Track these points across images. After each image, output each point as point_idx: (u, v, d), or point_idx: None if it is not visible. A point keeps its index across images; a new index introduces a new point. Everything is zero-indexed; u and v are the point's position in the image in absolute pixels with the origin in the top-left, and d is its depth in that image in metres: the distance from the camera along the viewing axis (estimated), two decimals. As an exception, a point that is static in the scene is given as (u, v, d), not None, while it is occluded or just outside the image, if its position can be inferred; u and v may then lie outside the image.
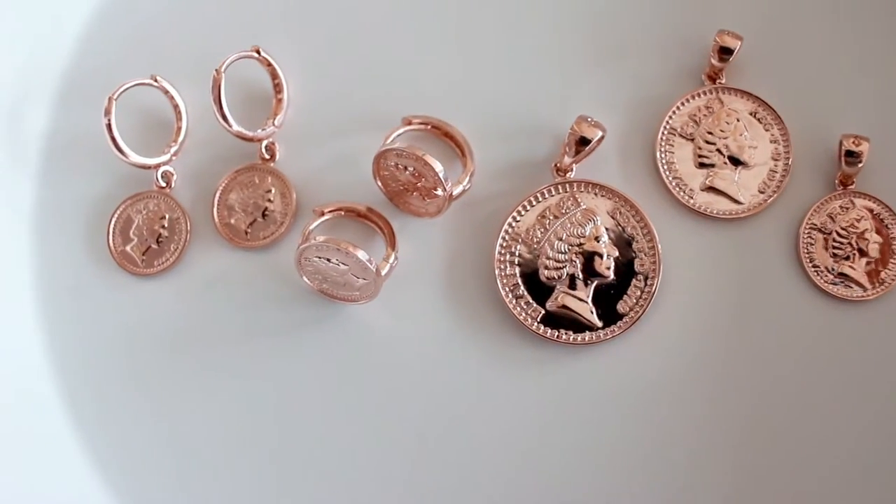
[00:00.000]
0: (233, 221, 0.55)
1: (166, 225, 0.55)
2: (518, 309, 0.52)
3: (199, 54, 0.56)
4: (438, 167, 0.50)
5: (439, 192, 0.51)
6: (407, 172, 0.52)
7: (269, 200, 0.55)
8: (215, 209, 0.55)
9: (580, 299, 0.51)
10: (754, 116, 0.53)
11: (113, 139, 0.53)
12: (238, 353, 0.53)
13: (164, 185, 0.55)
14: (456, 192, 0.52)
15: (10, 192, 0.56)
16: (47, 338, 0.54)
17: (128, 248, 0.55)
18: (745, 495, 0.51)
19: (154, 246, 0.55)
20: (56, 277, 0.55)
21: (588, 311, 0.51)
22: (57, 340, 0.54)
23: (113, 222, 0.55)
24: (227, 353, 0.53)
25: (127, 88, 0.54)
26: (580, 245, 0.52)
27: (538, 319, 0.52)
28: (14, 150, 0.56)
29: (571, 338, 0.51)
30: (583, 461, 0.51)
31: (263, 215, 0.55)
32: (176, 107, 0.55)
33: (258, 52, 0.55)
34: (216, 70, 0.53)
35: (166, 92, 0.55)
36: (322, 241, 0.50)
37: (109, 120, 0.53)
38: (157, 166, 0.55)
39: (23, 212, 0.56)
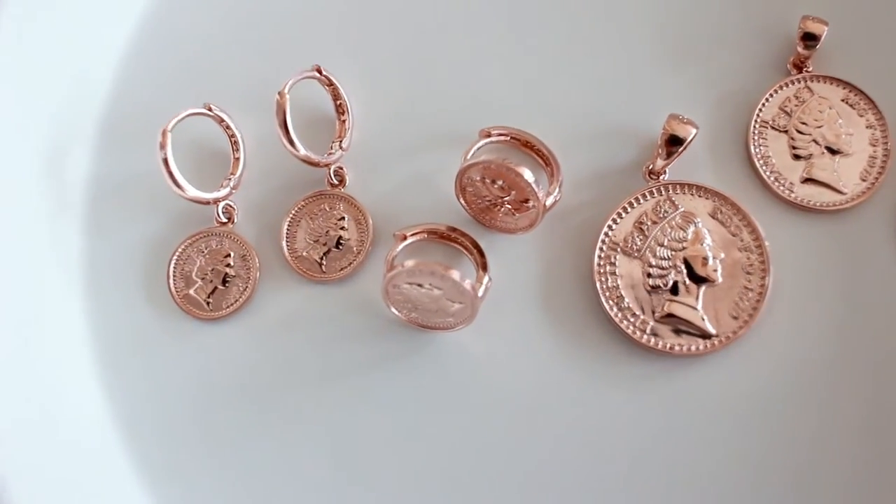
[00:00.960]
0: (305, 254, 0.51)
1: (232, 263, 0.51)
2: (625, 322, 0.49)
3: (249, 82, 0.53)
4: (529, 176, 0.47)
5: (532, 203, 0.48)
6: (495, 186, 0.49)
7: (343, 228, 0.51)
8: (284, 242, 0.51)
9: (689, 306, 0.48)
10: (846, 103, 0.51)
11: (170, 174, 0.49)
12: (321, 394, 0.49)
13: (225, 220, 0.51)
14: (548, 203, 0.49)
15: (57, 243, 0.51)
16: (109, 396, 0.50)
17: (191, 292, 0.51)
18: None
19: (220, 287, 0.51)
20: (114, 331, 0.51)
21: (699, 318, 0.48)
22: (120, 398, 0.50)
23: (172, 265, 0.51)
24: (308, 395, 0.49)
25: (181, 119, 0.50)
26: (683, 249, 0.49)
27: (647, 331, 0.48)
28: (58, 198, 0.52)
29: (686, 348, 0.48)
30: (700, 477, 0.48)
31: (338, 245, 0.51)
32: (232, 136, 0.52)
33: (319, 71, 0.51)
34: (279, 93, 0.49)
35: (221, 121, 0.51)
36: (413, 266, 0.46)
37: (165, 154, 0.49)
38: (217, 201, 0.51)
39: (71, 263, 0.51)
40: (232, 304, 0.50)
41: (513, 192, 0.49)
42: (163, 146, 0.49)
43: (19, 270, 0.50)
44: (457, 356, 0.50)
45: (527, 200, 0.49)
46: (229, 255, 0.51)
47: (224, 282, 0.50)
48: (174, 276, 0.51)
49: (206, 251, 0.51)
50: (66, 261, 0.51)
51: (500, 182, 0.48)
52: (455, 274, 0.46)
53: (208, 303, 0.50)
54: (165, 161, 0.49)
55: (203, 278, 0.51)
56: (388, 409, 0.49)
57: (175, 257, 0.51)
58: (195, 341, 0.50)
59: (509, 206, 0.49)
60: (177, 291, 0.51)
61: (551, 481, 0.48)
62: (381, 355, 0.50)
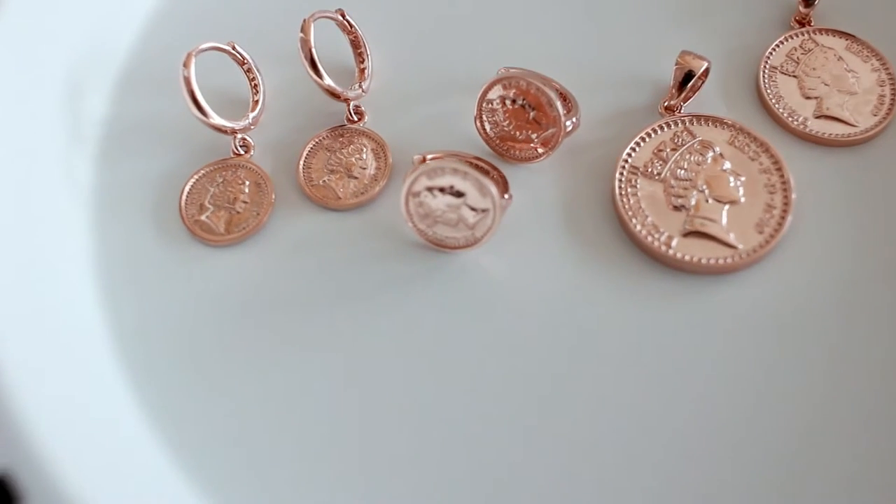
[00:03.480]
0: (322, 182, 0.50)
1: (247, 190, 0.50)
2: (650, 238, 0.47)
3: (270, 34, 0.54)
4: (550, 88, 0.48)
5: (551, 128, 0.48)
6: (516, 106, 0.49)
7: (361, 159, 0.51)
8: (301, 168, 0.50)
9: (714, 220, 0.48)
10: (849, 51, 0.53)
11: (192, 94, 0.49)
12: (337, 316, 0.47)
13: (242, 152, 0.51)
14: (567, 126, 0.49)
15: (70, 173, 0.50)
16: (113, 318, 0.47)
17: (203, 217, 0.49)
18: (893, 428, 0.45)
19: (234, 213, 0.49)
20: (122, 255, 0.49)
21: (724, 233, 0.47)
22: (124, 322, 0.47)
23: (185, 193, 0.50)
24: (323, 318, 0.47)
25: (205, 49, 0.50)
26: (704, 171, 0.49)
27: (672, 246, 0.47)
28: (74, 131, 0.51)
29: (714, 260, 0.47)
30: (728, 394, 0.45)
31: (354, 175, 0.50)
32: (253, 79, 0.52)
33: (343, 14, 0.53)
34: (304, 20, 0.50)
35: (243, 63, 0.52)
36: (435, 164, 0.46)
37: (189, 74, 0.49)
38: (235, 131, 0.51)
39: (82, 191, 0.50)
40: (244, 229, 0.49)
41: (533, 112, 0.49)
42: (186, 66, 0.49)
43: (30, 194, 0.49)
44: (477, 277, 0.48)
45: (546, 125, 0.49)
46: (244, 183, 0.50)
47: (237, 208, 0.49)
48: (186, 203, 0.50)
49: (220, 181, 0.50)
50: (76, 189, 0.50)
51: (520, 100, 0.49)
52: (477, 173, 0.45)
53: (223, 228, 0.49)
54: (188, 81, 0.49)
55: (216, 204, 0.50)
56: (406, 330, 0.47)
57: (189, 186, 0.50)
58: (206, 266, 0.48)
59: (528, 131, 0.50)
60: (188, 217, 0.49)
61: (576, 401, 0.45)
62: (399, 277, 0.48)
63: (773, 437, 0.44)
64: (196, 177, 0.50)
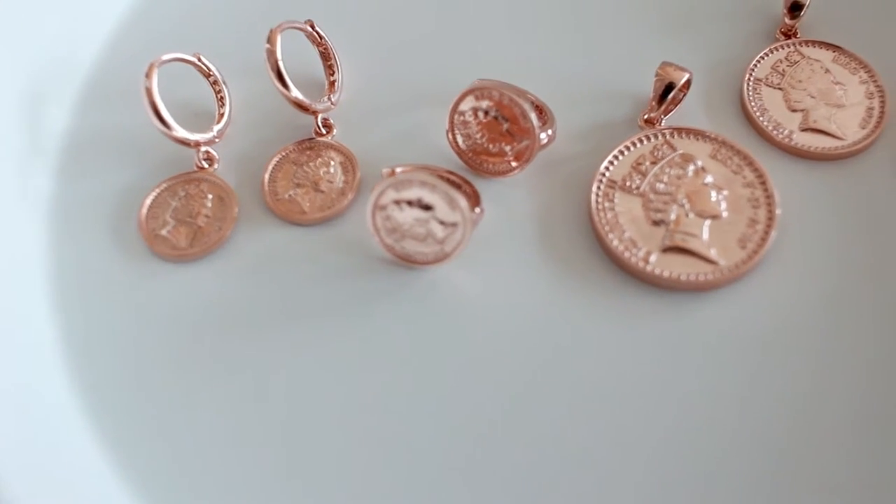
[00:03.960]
0: (287, 196, 0.48)
1: (209, 204, 0.48)
2: (627, 254, 0.45)
3: (236, 47, 0.53)
4: (524, 98, 0.46)
5: (527, 124, 0.46)
6: (489, 118, 0.47)
7: (329, 173, 0.49)
8: (266, 181, 0.48)
9: (694, 235, 0.46)
10: (836, 63, 0.51)
11: (154, 105, 0.47)
12: (300, 332, 0.45)
13: (205, 165, 0.49)
14: (542, 139, 0.47)
15: (26, 185, 0.49)
16: (66, 335, 0.45)
17: (163, 232, 0.47)
18: (875, 442, 0.42)
19: (197, 228, 0.47)
20: (78, 270, 0.47)
21: (705, 249, 0.45)
22: (78, 338, 0.45)
23: (146, 207, 0.48)
24: (285, 334, 0.45)
25: (169, 60, 0.49)
26: (685, 185, 0.47)
27: (650, 262, 0.45)
28: (32, 143, 0.50)
29: (694, 276, 0.45)
30: (707, 414, 0.43)
31: (321, 189, 0.48)
32: (219, 91, 0.50)
33: (312, 26, 0.51)
34: (271, 30, 0.48)
35: (208, 75, 0.50)
36: (403, 176, 0.44)
37: (150, 85, 0.47)
38: (199, 144, 0.49)
39: (39, 204, 0.49)
40: (206, 244, 0.47)
41: (506, 124, 0.47)
42: (148, 76, 0.47)
43: (-19, 207, 0.47)
44: (448, 294, 0.46)
45: (520, 138, 0.47)
46: (206, 197, 0.48)
47: (199, 222, 0.47)
48: (147, 217, 0.48)
49: (182, 195, 0.48)
50: (33, 201, 0.48)
51: (493, 112, 0.47)
52: (445, 186, 0.43)
53: (184, 243, 0.47)
54: (149, 92, 0.47)
55: (177, 219, 0.48)
56: (373, 349, 0.44)
57: (150, 199, 0.48)
58: (166, 282, 0.46)
59: (502, 144, 0.48)
60: (148, 231, 0.47)
61: (550, 422, 0.43)
62: (366, 294, 0.46)
63: (753, 457, 0.42)
64: (157, 190, 0.48)
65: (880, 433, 0.42)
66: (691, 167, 0.47)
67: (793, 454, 0.42)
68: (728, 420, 0.43)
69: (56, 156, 0.50)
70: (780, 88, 0.50)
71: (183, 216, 0.48)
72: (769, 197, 0.47)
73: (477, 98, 0.47)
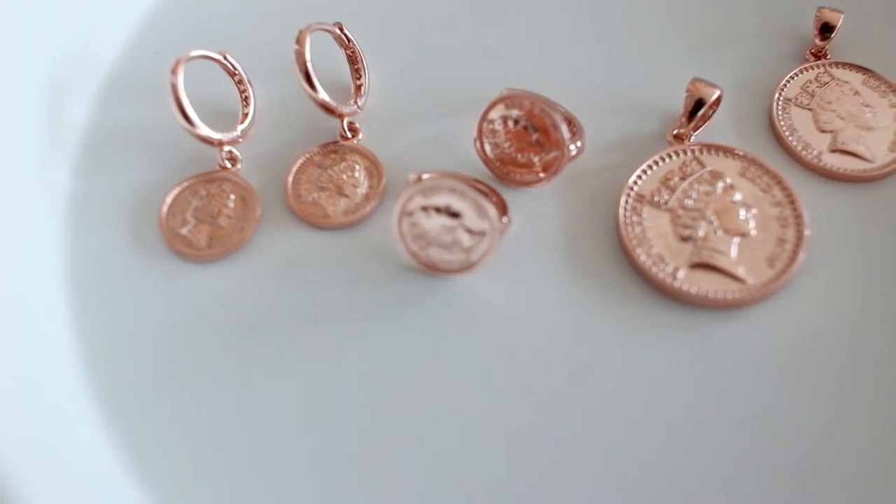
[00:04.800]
0: (310, 199, 0.47)
1: (231, 204, 0.47)
2: (655, 269, 0.45)
3: (263, 49, 0.52)
4: (554, 109, 0.46)
5: (557, 135, 0.46)
6: (518, 127, 0.47)
7: (353, 177, 0.48)
8: (290, 184, 0.48)
9: (722, 253, 0.45)
10: (866, 86, 0.51)
11: (179, 102, 0.46)
12: (320, 337, 0.44)
13: (228, 165, 0.48)
14: (571, 151, 0.47)
15: (46, 180, 0.48)
16: (84, 333, 0.44)
17: (184, 231, 0.46)
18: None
19: (218, 228, 0.47)
20: (97, 269, 0.46)
21: (733, 266, 0.45)
22: (96, 337, 0.44)
23: (167, 205, 0.47)
24: (305, 339, 0.44)
25: (195, 57, 0.48)
26: (713, 202, 0.46)
27: (678, 277, 0.45)
28: (53, 139, 0.49)
29: (722, 293, 0.44)
30: (730, 433, 0.42)
31: (345, 194, 0.48)
32: (243, 91, 0.50)
33: (341, 28, 0.50)
34: (300, 31, 0.48)
35: (234, 74, 0.50)
36: (432, 181, 0.43)
37: (176, 81, 0.46)
38: (223, 143, 0.48)
39: (58, 200, 0.48)
40: (227, 245, 0.46)
41: (536, 134, 0.47)
42: (174, 72, 0.47)
43: (2, 200, 0.46)
44: (472, 304, 0.45)
45: (549, 148, 0.47)
46: (229, 197, 0.47)
47: (220, 223, 0.47)
48: (167, 215, 0.47)
49: (204, 194, 0.48)
50: (52, 197, 0.48)
51: (523, 121, 0.47)
52: (474, 193, 0.43)
53: (204, 243, 0.46)
54: (174, 88, 0.46)
55: (198, 218, 0.47)
56: (394, 358, 0.44)
57: (170, 198, 0.47)
58: (185, 282, 0.46)
59: (530, 154, 0.47)
60: (168, 230, 0.47)
61: (572, 437, 0.42)
62: (388, 301, 0.45)
63: (775, 479, 0.41)
64: (179, 188, 0.48)
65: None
66: (720, 184, 0.47)
67: (815, 477, 0.41)
68: (751, 440, 0.42)
69: (77, 151, 0.49)
70: (809, 109, 0.50)
71: (204, 216, 0.47)
72: (798, 217, 0.46)
73: (507, 107, 0.47)
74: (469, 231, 0.44)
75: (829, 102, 0.50)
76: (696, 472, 0.41)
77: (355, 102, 0.50)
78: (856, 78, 0.51)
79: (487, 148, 0.48)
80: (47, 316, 0.44)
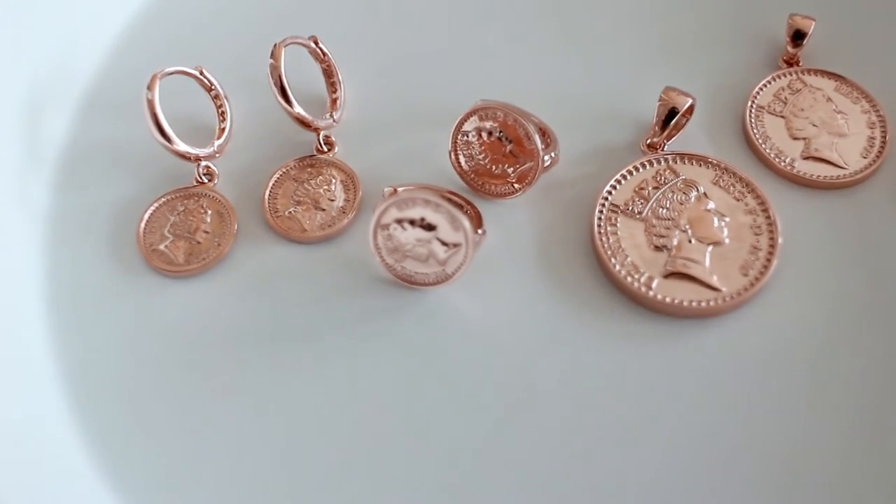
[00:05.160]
0: (287, 214, 0.48)
1: (208, 220, 0.48)
2: (629, 278, 0.45)
3: (238, 63, 0.53)
4: (527, 119, 0.46)
5: (531, 145, 0.46)
6: (492, 138, 0.47)
7: (330, 191, 0.48)
8: (267, 199, 0.48)
9: (696, 262, 0.45)
10: (838, 92, 0.51)
11: (155, 118, 0.47)
12: (298, 351, 0.44)
13: (205, 180, 0.49)
14: (545, 161, 0.47)
15: (24, 196, 0.48)
16: (61, 349, 0.45)
17: (161, 247, 0.47)
18: (877, 468, 0.42)
19: (196, 243, 0.47)
20: (75, 284, 0.46)
21: (707, 275, 0.45)
22: (73, 352, 0.45)
23: (144, 221, 0.47)
24: (283, 352, 0.44)
25: (171, 73, 0.48)
26: (687, 211, 0.47)
27: (653, 287, 0.45)
28: (31, 156, 0.49)
29: (696, 302, 0.45)
30: (707, 442, 0.42)
31: (322, 207, 0.48)
32: (220, 106, 0.50)
33: (316, 42, 0.51)
34: (275, 45, 0.48)
35: (210, 89, 0.50)
36: (406, 194, 0.43)
37: (152, 97, 0.47)
38: (199, 158, 0.48)
39: (36, 216, 0.48)
40: (204, 260, 0.46)
41: (510, 145, 0.47)
42: (150, 88, 0.47)
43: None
44: (448, 316, 0.45)
45: (523, 159, 0.47)
46: (206, 213, 0.48)
47: (197, 238, 0.47)
48: (145, 231, 0.47)
49: (181, 210, 0.48)
50: (30, 212, 0.48)
51: (497, 132, 0.47)
52: (449, 206, 0.43)
53: (182, 259, 0.46)
54: (151, 104, 0.47)
55: (175, 234, 0.47)
56: (371, 370, 0.44)
57: (148, 213, 0.48)
58: (162, 298, 0.46)
59: (505, 165, 0.48)
60: (146, 246, 0.47)
61: (549, 448, 0.42)
62: (365, 314, 0.45)
63: (754, 484, 0.41)
64: (156, 204, 0.48)
65: (881, 459, 0.42)
66: (694, 193, 0.47)
67: (793, 480, 0.42)
68: (728, 446, 0.42)
69: (54, 167, 0.50)
70: (782, 116, 0.51)
71: (182, 231, 0.47)
72: (771, 224, 0.47)
73: (481, 118, 0.47)
74: (444, 243, 0.44)
75: (802, 109, 0.51)
76: (672, 480, 0.42)
77: (331, 116, 0.50)
78: (828, 84, 0.51)
79: (462, 160, 0.48)
80: (25, 331, 0.45)
